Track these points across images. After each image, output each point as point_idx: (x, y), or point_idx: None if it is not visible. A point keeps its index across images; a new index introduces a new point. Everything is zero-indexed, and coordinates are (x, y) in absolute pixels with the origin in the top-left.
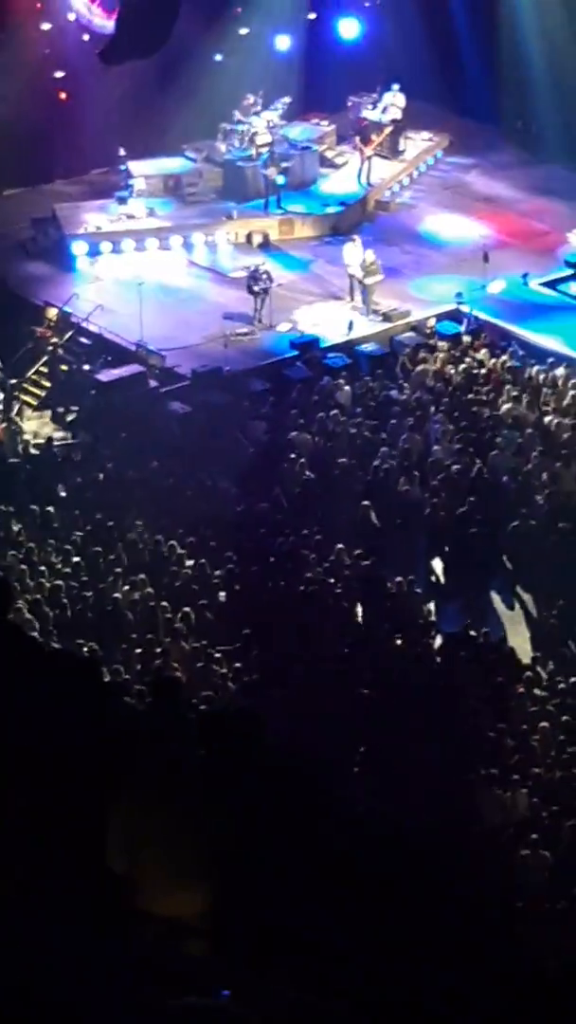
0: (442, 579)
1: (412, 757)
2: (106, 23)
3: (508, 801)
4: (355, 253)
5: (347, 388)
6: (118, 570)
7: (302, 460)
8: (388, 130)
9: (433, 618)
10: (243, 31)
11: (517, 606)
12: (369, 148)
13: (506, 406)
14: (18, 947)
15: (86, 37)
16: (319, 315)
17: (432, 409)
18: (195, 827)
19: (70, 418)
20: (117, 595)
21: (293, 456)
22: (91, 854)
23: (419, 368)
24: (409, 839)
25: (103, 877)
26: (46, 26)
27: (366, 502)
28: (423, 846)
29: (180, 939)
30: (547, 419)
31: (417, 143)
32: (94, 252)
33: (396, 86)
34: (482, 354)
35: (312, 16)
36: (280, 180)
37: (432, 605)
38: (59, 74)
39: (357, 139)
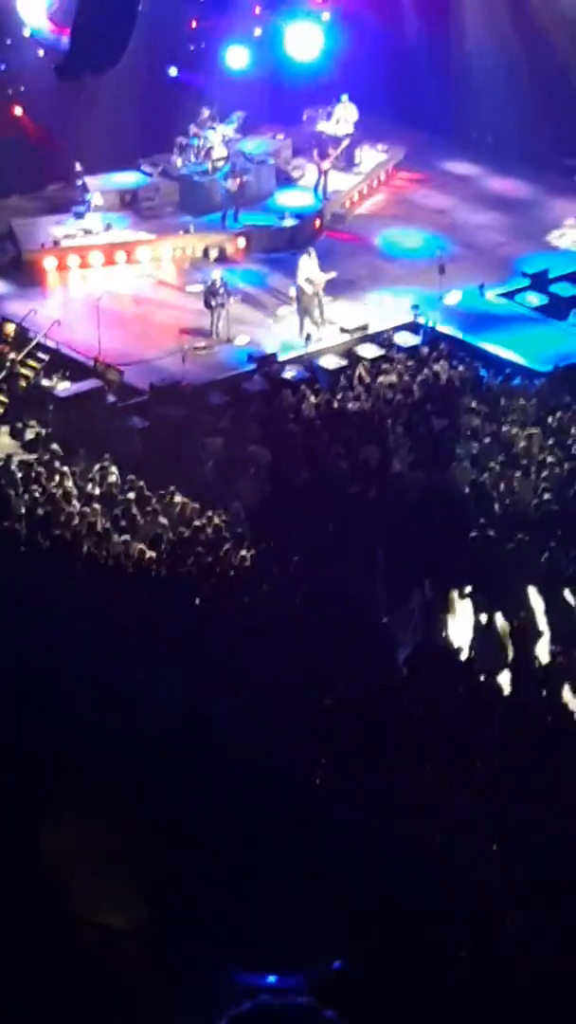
0: (401, 590)
1: (372, 768)
2: (60, 38)
3: (469, 808)
4: (310, 266)
5: (308, 400)
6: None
7: (261, 473)
8: (345, 143)
9: (392, 630)
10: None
11: (477, 616)
12: (327, 162)
13: (464, 417)
14: None
15: (41, 53)
16: (276, 328)
17: (390, 421)
18: (133, 836)
19: (29, 434)
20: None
21: (252, 470)
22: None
23: (377, 380)
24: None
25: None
26: (7, 41)
27: (325, 514)
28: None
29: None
30: (504, 429)
31: (372, 155)
32: (51, 267)
33: (345, 97)
34: (439, 365)
35: (258, 32)
36: (232, 187)
37: (391, 617)
38: (20, 89)
39: (315, 152)
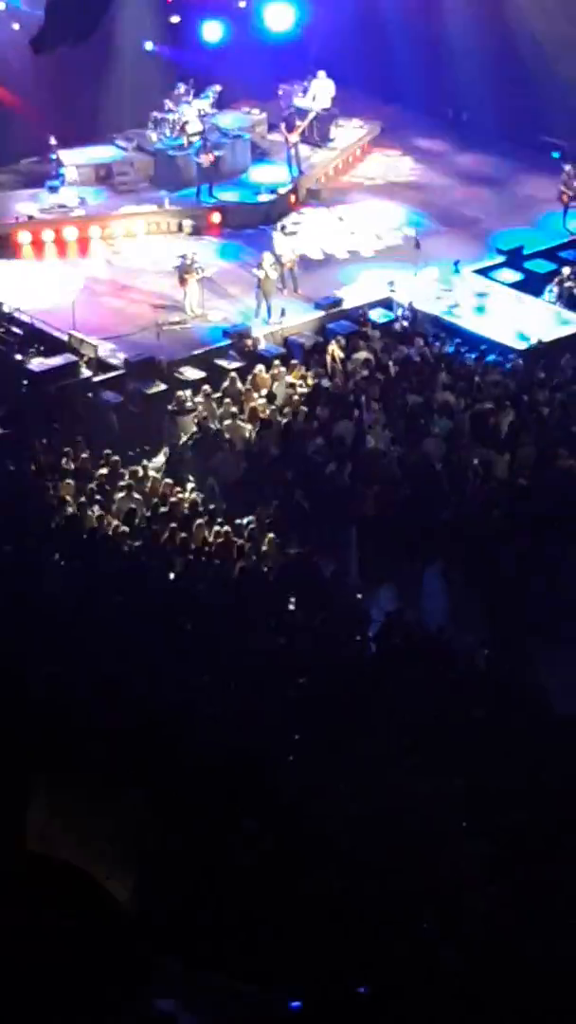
0: (375, 567)
1: (346, 747)
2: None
3: (445, 792)
4: (284, 242)
5: (282, 376)
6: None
7: (236, 449)
8: (311, 116)
9: (366, 606)
10: (173, 19)
11: (451, 594)
12: (294, 135)
13: (438, 393)
14: None
15: (16, 26)
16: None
17: (364, 397)
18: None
19: (1, 409)
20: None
21: (227, 445)
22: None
23: (352, 356)
24: (341, 831)
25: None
26: None
27: (299, 490)
28: (356, 839)
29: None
30: (479, 406)
31: (348, 131)
32: (25, 241)
33: (322, 73)
34: (416, 343)
35: (243, 4)
36: (205, 162)
37: (365, 593)
38: None
39: (283, 126)
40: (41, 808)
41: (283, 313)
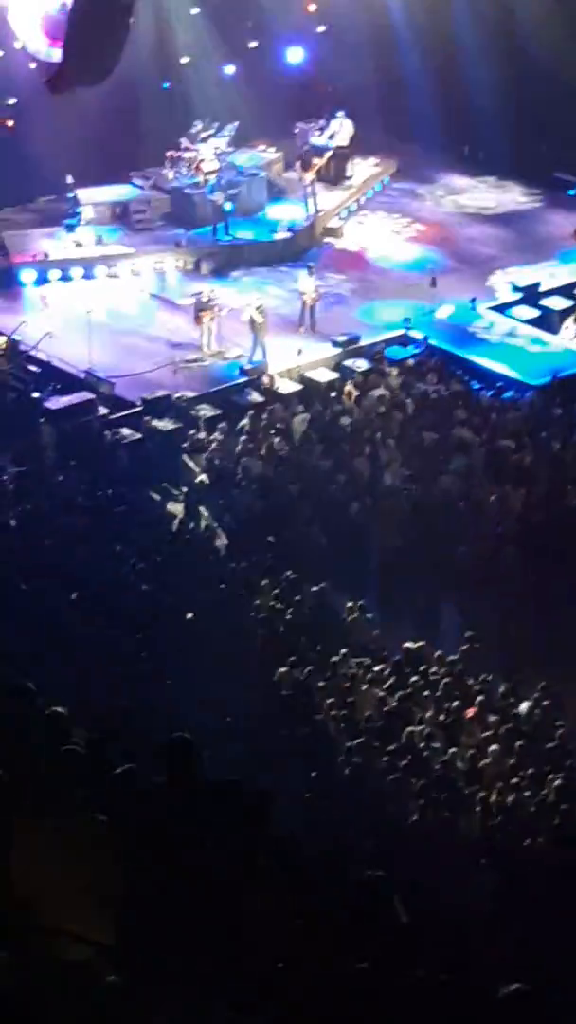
0: (393, 603)
1: (363, 781)
2: (52, 51)
3: (461, 826)
4: (308, 281)
5: (299, 414)
6: (72, 597)
7: (253, 486)
8: (328, 155)
9: (384, 642)
10: (184, 59)
11: (468, 629)
12: (309, 173)
13: (455, 430)
14: None
15: (33, 65)
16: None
17: (381, 434)
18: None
19: (19, 446)
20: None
21: (243, 482)
22: None
23: (368, 393)
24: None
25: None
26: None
27: (316, 527)
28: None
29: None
30: (496, 443)
31: (364, 169)
32: (42, 280)
33: (341, 113)
34: (430, 379)
35: (253, 45)
36: (228, 207)
37: (383, 630)
38: (11, 101)
39: (299, 165)
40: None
41: (300, 352)
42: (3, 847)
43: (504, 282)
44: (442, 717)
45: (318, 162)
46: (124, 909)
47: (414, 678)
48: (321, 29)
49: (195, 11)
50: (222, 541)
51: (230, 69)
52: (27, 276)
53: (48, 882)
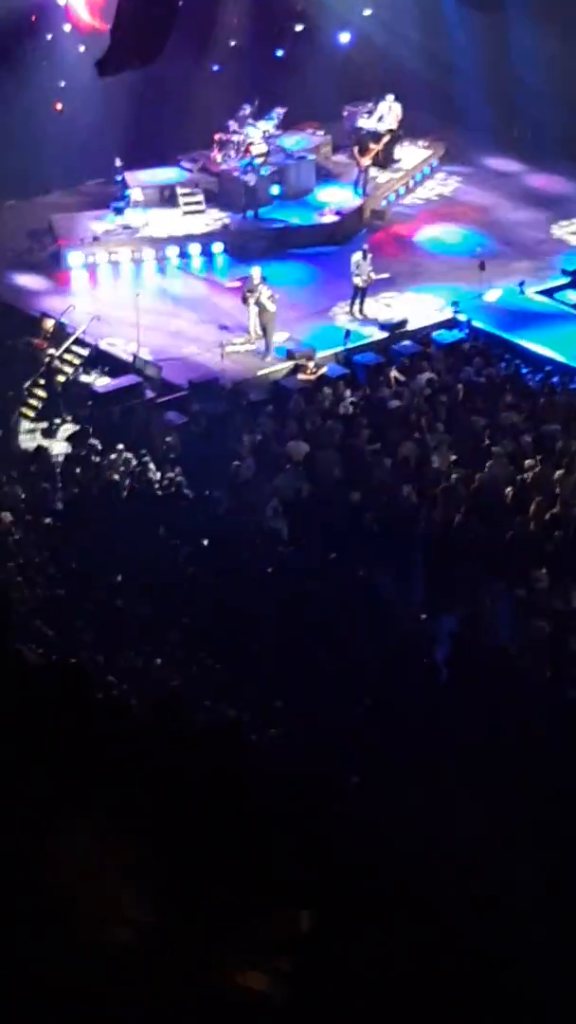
0: (440, 589)
1: (411, 772)
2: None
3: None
4: (364, 265)
5: (345, 397)
6: (117, 579)
7: (299, 470)
8: (385, 140)
9: (430, 627)
10: (231, 43)
11: (518, 615)
12: (366, 157)
13: (503, 415)
14: None
15: (82, 48)
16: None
17: (429, 418)
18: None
19: (67, 430)
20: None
21: (289, 466)
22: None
23: (416, 377)
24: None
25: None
26: (48, 36)
27: (363, 512)
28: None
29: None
30: (544, 428)
31: (413, 152)
32: (90, 263)
33: (390, 96)
34: (476, 363)
35: (300, 28)
36: (275, 190)
37: (430, 614)
38: (61, 84)
39: (355, 149)
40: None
41: (348, 335)
42: (40, 832)
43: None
44: None
45: (375, 147)
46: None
47: None
48: (367, 12)
49: None
50: (270, 525)
51: (279, 52)
52: (75, 259)
53: (93, 860)
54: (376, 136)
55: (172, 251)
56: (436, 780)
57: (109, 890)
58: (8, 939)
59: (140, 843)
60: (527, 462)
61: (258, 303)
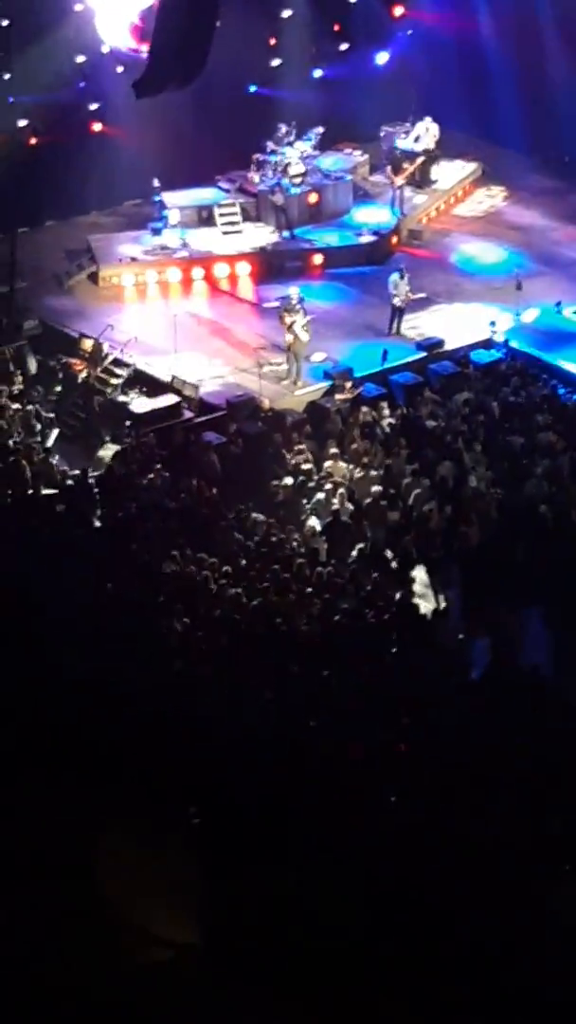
0: (477, 608)
1: (449, 790)
2: (140, 54)
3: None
4: (401, 284)
5: (383, 417)
6: (159, 600)
7: (340, 491)
8: (420, 160)
9: (468, 647)
10: (276, 62)
11: (553, 635)
12: (400, 177)
13: (540, 435)
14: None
15: (120, 69)
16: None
17: (466, 438)
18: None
19: (105, 449)
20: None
21: (328, 486)
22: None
23: (453, 397)
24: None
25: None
26: (80, 59)
27: (402, 531)
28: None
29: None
30: None
31: (450, 172)
32: (128, 283)
33: (428, 118)
34: (513, 383)
35: (344, 47)
36: (313, 198)
37: (467, 635)
38: (94, 106)
39: (389, 168)
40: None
41: (385, 355)
42: (90, 844)
43: None
44: None
45: (408, 167)
46: (211, 908)
47: None
48: (408, 32)
49: (286, 14)
50: (309, 545)
51: (318, 73)
52: (113, 279)
53: (134, 879)
54: (411, 156)
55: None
56: (472, 796)
57: (154, 905)
58: (53, 955)
59: (183, 860)
60: (564, 481)
61: (292, 329)
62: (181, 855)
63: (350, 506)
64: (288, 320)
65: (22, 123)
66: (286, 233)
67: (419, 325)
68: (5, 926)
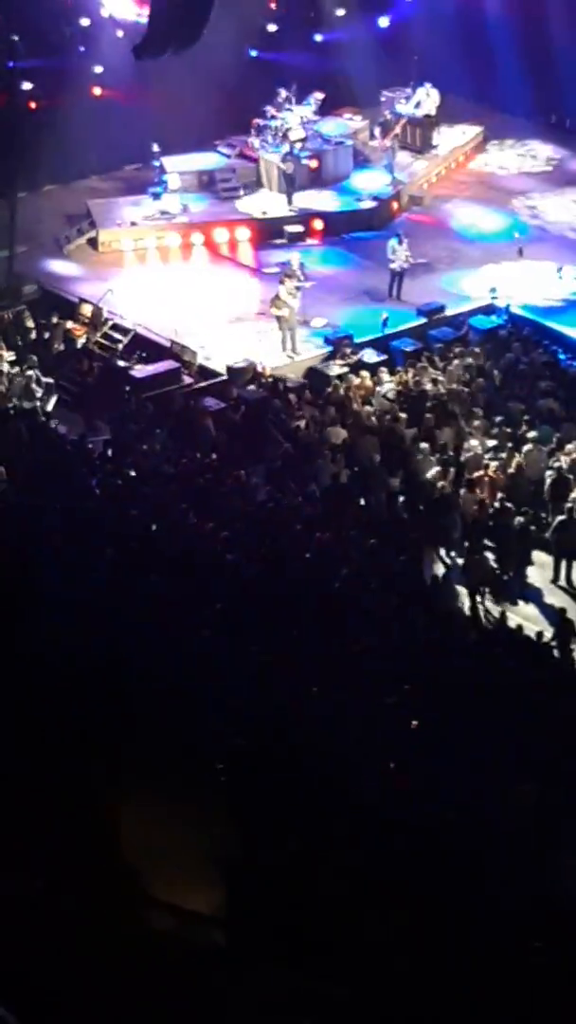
0: (477, 570)
1: (448, 756)
2: (140, 14)
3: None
4: (400, 250)
5: (383, 383)
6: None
7: (337, 455)
8: (402, 121)
9: (469, 613)
10: (270, 27)
11: (555, 600)
12: (388, 138)
13: (540, 401)
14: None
15: (120, 33)
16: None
17: (467, 404)
18: (212, 820)
19: (105, 414)
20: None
21: (328, 451)
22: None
23: (454, 363)
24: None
25: (116, 864)
26: (85, 21)
27: (403, 496)
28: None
29: (197, 930)
30: None
31: (450, 137)
32: (128, 248)
33: (428, 84)
34: (515, 349)
35: (341, 12)
36: (313, 164)
37: (468, 600)
38: (98, 69)
39: (377, 130)
40: (131, 810)
41: (385, 321)
42: (113, 815)
43: None
44: None
45: (395, 128)
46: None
47: None
48: None
49: None
50: (306, 510)
51: (318, 37)
52: (112, 244)
53: (157, 848)
54: (399, 118)
55: (210, 236)
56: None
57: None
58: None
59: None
60: (568, 447)
61: (277, 299)
62: (204, 825)
63: (349, 470)
64: (281, 287)
65: (27, 86)
66: (293, 204)
67: (419, 291)
68: (26, 895)
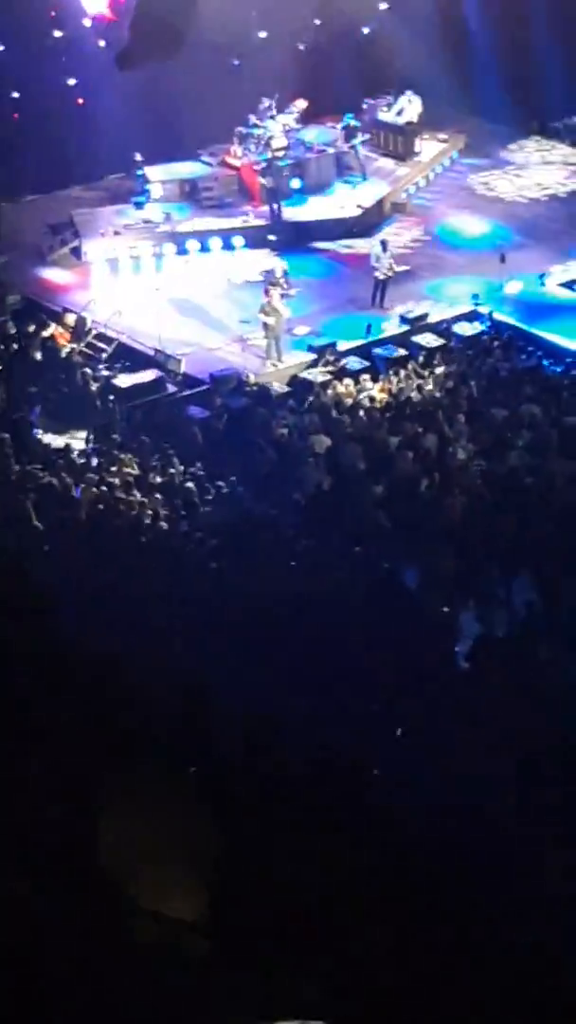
0: (462, 580)
1: (435, 761)
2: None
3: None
4: (383, 257)
5: (366, 390)
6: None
7: (321, 463)
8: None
9: (454, 619)
10: (261, 35)
11: (538, 607)
12: (355, 139)
13: (524, 407)
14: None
15: (102, 43)
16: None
17: (450, 410)
18: (195, 827)
19: (88, 424)
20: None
21: (312, 459)
22: (85, 851)
23: (437, 369)
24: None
25: (98, 874)
26: (58, 33)
27: (386, 504)
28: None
29: (181, 938)
30: (566, 419)
31: (433, 144)
32: (111, 257)
33: (409, 92)
34: (497, 355)
35: (318, 22)
36: (296, 183)
37: (453, 607)
38: (71, 81)
39: (343, 134)
40: (112, 813)
41: (369, 328)
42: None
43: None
44: None
45: (361, 134)
46: (217, 880)
47: None
48: (384, 6)
49: None
50: (291, 519)
51: (300, 46)
52: (96, 253)
53: (137, 852)
54: (377, 124)
55: (192, 245)
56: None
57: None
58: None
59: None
60: (548, 453)
61: (270, 306)
62: (187, 828)
63: (333, 478)
64: (271, 295)
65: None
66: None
67: (402, 298)
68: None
